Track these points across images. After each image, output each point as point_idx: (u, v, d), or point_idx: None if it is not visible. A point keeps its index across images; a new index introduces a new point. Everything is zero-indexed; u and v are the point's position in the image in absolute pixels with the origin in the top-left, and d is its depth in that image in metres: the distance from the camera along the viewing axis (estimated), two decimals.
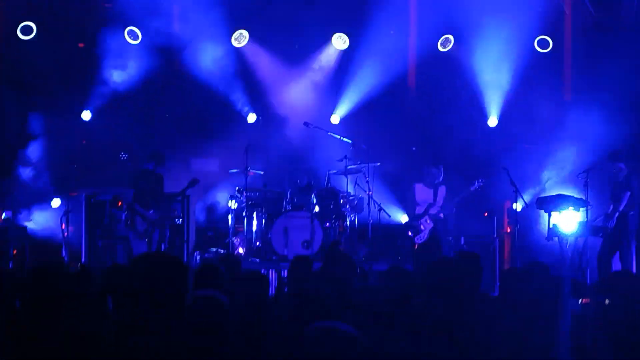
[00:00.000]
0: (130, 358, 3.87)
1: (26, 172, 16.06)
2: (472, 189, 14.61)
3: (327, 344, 3.60)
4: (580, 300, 5.96)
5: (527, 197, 14.75)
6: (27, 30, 16.68)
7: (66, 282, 7.15)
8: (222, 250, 15.01)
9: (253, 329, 4.51)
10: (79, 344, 4.72)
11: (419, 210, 14.73)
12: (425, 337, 4.81)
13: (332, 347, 3.59)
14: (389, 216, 15.44)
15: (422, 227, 14.55)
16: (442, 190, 14.72)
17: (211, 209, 16.48)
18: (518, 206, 14.63)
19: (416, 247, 14.56)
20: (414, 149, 17.41)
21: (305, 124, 15.96)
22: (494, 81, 17.10)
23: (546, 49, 17.09)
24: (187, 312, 4.00)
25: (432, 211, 14.58)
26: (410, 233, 14.66)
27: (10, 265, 13.72)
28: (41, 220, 15.70)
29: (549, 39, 17.04)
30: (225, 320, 3.98)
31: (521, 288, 5.95)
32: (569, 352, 4.29)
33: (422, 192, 14.78)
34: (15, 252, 14.24)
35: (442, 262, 6.19)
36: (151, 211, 14.28)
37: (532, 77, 16.98)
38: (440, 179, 14.72)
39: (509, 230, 16.06)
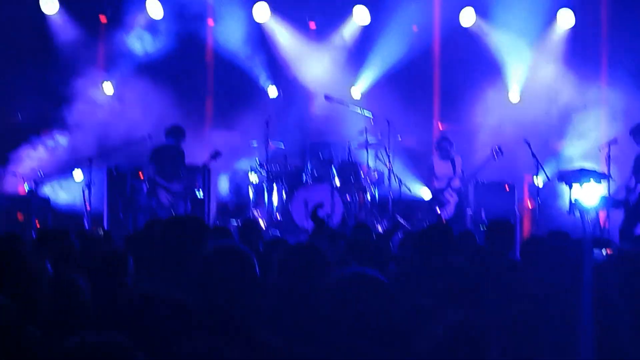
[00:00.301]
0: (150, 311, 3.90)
1: (49, 144, 16.17)
2: (489, 157, 14.54)
3: (356, 289, 3.62)
4: (604, 251, 5.97)
5: (549, 170, 14.68)
6: (50, 5, 16.73)
7: (89, 244, 7.27)
8: None
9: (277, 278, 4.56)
10: (104, 303, 4.77)
11: (440, 184, 14.71)
12: (455, 295, 4.83)
13: (361, 291, 3.62)
14: (410, 190, 15.45)
15: (448, 200, 14.53)
16: (458, 160, 14.73)
17: (232, 182, 16.50)
18: (539, 181, 14.59)
19: (444, 222, 14.51)
20: (435, 122, 17.37)
21: (326, 97, 15.97)
22: (516, 55, 17.02)
23: (569, 22, 16.98)
24: (206, 260, 4.02)
25: (455, 184, 14.57)
26: (437, 208, 14.61)
27: (34, 236, 13.79)
28: (64, 191, 15.81)
29: (570, 11, 16.92)
30: (249, 266, 4.00)
31: (543, 252, 5.97)
32: (592, 308, 4.29)
33: (440, 166, 14.78)
34: (38, 223, 14.33)
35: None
36: (174, 184, 14.37)
37: (555, 50, 16.92)
38: (453, 150, 14.72)
39: (530, 204, 16.02)
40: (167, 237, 5.20)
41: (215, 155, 14.61)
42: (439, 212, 14.59)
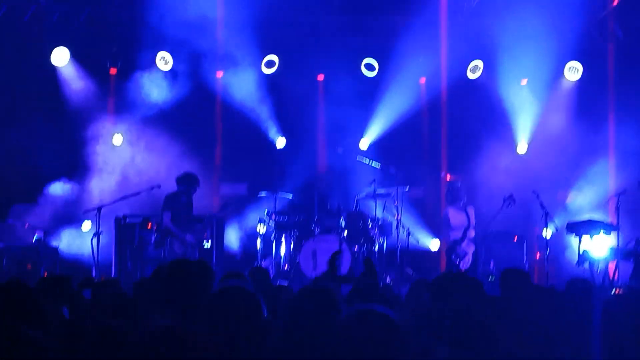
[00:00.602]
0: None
1: (58, 194, 16.23)
2: (503, 206, 14.52)
3: (366, 325, 3.61)
4: (613, 291, 5.96)
5: (558, 221, 14.66)
6: (60, 57, 16.91)
7: (98, 289, 7.27)
8: None
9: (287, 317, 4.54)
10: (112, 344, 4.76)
11: (455, 235, 14.67)
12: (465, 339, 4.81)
13: (371, 328, 3.61)
14: (417, 241, 15.45)
15: (466, 251, 14.49)
16: (471, 211, 14.73)
17: (240, 232, 16.49)
18: (548, 232, 14.55)
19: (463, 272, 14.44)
20: (443, 174, 17.40)
21: (337, 149, 16.06)
22: (523, 107, 17.12)
23: (576, 74, 17.09)
24: (212, 299, 4.03)
25: (470, 234, 14.54)
26: (455, 259, 14.55)
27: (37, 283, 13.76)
28: (72, 242, 15.83)
29: (579, 64, 17.05)
30: (255, 306, 4.00)
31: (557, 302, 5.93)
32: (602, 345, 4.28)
33: (455, 217, 14.76)
34: (46, 273, 14.32)
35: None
36: (188, 235, 14.22)
37: (562, 103, 17.01)
38: (465, 196, 14.72)
39: (538, 256, 15.97)
40: (174, 278, 5.21)
41: (225, 206, 14.59)
42: (455, 261, 14.54)
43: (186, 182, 14.41)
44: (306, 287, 4.99)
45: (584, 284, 6.72)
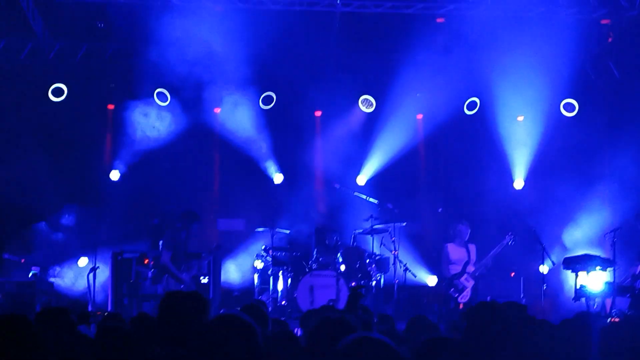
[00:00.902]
0: None
1: (55, 230, 16.24)
2: (504, 243, 14.55)
3: (362, 352, 3.63)
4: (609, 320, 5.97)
5: (554, 257, 14.68)
6: (58, 92, 16.98)
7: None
8: None
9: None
10: None
11: (454, 269, 14.69)
12: None
13: (367, 354, 3.63)
14: (415, 276, 15.46)
15: (465, 285, 14.48)
16: (472, 248, 14.77)
17: (237, 268, 16.49)
18: (545, 268, 14.57)
19: (461, 306, 14.46)
20: (440, 210, 17.42)
21: (335, 185, 16.11)
22: (520, 144, 17.19)
23: (572, 112, 17.20)
24: (209, 328, 4.06)
25: (469, 269, 14.54)
26: (453, 293, 14.56)
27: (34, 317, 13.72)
28: (68, 277, 15.80)
29: (574, 102, 17.16)
30: (251, 334, 4.02)
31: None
32: None
33: (455, 252, 14.80)
34: (41, 308, 14.28)
35: None
36: (185, 274, 14.09)
37: (558, 139, 17.08)
38: (468, 236, 14.73)
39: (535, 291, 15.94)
40: (168, 310, 5.24)
41: (217, 248, 14.57)
42: (453, 294, 14.54)
43: (187, 219, 14.29)
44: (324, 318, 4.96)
45: (580, 315, 6.73)
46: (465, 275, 14.54)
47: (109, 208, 16.55)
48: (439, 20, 16.79)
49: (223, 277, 15.70)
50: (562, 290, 15.39)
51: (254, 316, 8.76)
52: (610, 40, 16.76)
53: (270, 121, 17.50)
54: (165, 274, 14.07)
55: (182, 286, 13.87)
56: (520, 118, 17.29)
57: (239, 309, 8.22)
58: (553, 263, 14.48)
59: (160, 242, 14.20)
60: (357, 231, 15.72)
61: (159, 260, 14.06)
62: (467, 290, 14.56)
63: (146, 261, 14.72)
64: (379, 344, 3.62)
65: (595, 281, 14.00)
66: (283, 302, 15.22)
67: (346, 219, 16.44)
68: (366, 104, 17.55)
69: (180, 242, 14.16)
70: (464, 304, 14.35)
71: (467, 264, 14.58)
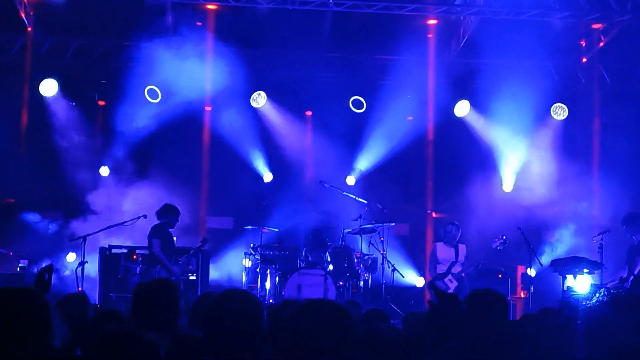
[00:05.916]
0: None
1: (43, 224, 16.23)
2: (494, 246, 14.55)
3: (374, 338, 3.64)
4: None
5: (542, 259, 14.73)
6: (49, 88, 16.94)
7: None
8: None
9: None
10: None
11: (441, 269, 14.66)
12: None
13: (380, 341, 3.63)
14: (403, 276, 15.47)
15: (448, 286, 14.48)
16: (462, 248, 14.70)
17: (224, 266, 16.48)
18: (532, 271, 14.59)
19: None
20: (429, 211, 17.46)
21: (321, 182, 16.10)
22: (509, 146, 17.24)
23: (562, 115, 17.26)
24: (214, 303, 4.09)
25: (455, 270, 14.52)
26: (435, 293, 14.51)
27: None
28: (56, 271, 15.75)
29: (564, 106, 17.22)
30: (257, 309, 4.06)
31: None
32: None
33: (443, 251, 14.72)
34: None
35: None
36: (175, 267, 13.98)
37: (547, 142, 17.14)
38: (458, 237, 14.73)
39: (522, 294, 15.99)
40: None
41: (204, 242, 14.48)
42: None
43: (168, 213, 14.11)
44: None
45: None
46: (449, 276, 14.52)
47: (98, 203, 16.52)
48: (431, 21, 16.85)
49: (211, 275, 15.69)
50: (549, 292, 15.41)
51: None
52: (601, 44, 16.82)
53: (261, 120, 17.51)
54: (155, 266, 13.82)
55: (172, 278, 13.79)
56: (510, 121, 17.25)
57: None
58: (540, 264, 14.52)
59: (147, 234, 14.06)
60: (346, 230, 15.71)
61: (150, 250, 13.87)
62: (449, 291, 14.54)
63: (135, 256, 14.68)
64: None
65: (582, 284, 14.04)
66: (271, 301, 15.19)
67: (335, 218, 16.43)
68: (357, 105, 17.56)
69: (166, 235, 14.02)
70: None
71: (453, 264, 14.56)
